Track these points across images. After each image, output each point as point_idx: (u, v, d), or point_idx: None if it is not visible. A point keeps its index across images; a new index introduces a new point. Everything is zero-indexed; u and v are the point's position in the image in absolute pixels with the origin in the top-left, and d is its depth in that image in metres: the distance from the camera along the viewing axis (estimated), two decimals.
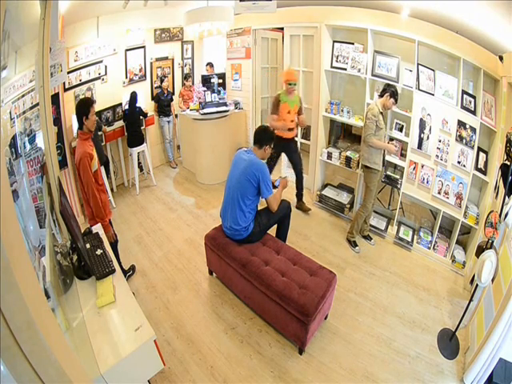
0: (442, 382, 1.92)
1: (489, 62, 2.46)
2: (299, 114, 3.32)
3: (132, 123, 4.06)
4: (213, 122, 4.18)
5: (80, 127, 2.11)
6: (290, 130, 3.30)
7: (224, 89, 4.66)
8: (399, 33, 2.85)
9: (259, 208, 2.50)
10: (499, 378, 1.79)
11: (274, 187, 2.53)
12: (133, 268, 2.84)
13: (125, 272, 2.66)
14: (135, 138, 4.10)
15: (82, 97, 3.62)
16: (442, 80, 2.74)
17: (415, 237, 3.16)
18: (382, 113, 2.68)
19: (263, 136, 2.37)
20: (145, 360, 1.37)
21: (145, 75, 4.55)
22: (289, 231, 2.76)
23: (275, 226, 2.69)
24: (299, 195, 3.68)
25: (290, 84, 3.10)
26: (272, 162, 3.44)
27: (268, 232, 2.59)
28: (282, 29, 4.23)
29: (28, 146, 1.66)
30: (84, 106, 2.08)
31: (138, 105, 4.07)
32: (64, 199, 1.81)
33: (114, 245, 2.40)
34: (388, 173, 3.17)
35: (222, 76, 4.71)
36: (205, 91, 4.33)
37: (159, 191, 4.32)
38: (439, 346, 2.13)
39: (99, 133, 3.70)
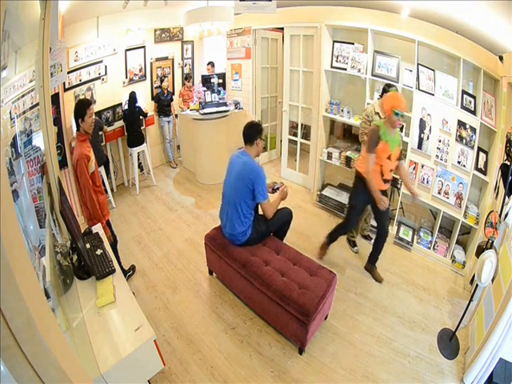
0: (441, 382, 1.92)
1: (489, 61, 2.46)
2: (399, 158, 2.41)
3: (132, 123, 4.06)
4: (213, 121, 4.18)
5: (77, 129, 2.12)
6: (386, 181, 2.41)
7: (224, 89, 4.66)
8: (399, 33, 2.85)
9: (259, 213, 2.45)
10: (499, 378, 1.79)
11: (274, 191, 2.51)
12: (133, 268, 2.84)
13: (125, 272, 2.66)
14: (135, 137, 4.10)
15: (81, 97, 3.62)
16: (442, 80, 2.74)
17: (415, 237, 3.16)
18: (378, 113, 2.67)
19: (251, 131, 2.30)
20: (145, 360, 1.36)
21: (145, 75, 4.55)
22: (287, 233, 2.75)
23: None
24: (373, 258, 2.71)
25: (396, 114, 2.17)
26: (355, 215, 2.62)
27: None
28: (282, 29, 4.23)
29: (27, 146, 1.66)
30: (80, 108, 2.08)
31: (137, 105, 4.08)
32: (64, 199, 1.81)
33: (114, 245, 2.40)
34: None
35: (222, 76, 4.71)
36: (205, 91, 4.33)
37: (159, 191, 4.32)
38: (439, 346, 2.13)
39: (100, 133, 3.70)
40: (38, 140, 1.86)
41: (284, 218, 2.55)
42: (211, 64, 4.96)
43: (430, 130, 2.84)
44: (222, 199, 2.46)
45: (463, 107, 2.65)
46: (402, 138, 2.50)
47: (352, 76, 3.36)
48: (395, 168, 2.42)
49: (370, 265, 2.73)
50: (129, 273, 2.78)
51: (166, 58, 4.78)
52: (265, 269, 2.17)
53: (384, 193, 2.44)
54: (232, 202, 2.28)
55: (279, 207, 2.47)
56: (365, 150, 2.37)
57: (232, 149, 4.65)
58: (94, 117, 2.19)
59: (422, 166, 2.95)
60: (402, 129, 3.07)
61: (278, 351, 2.11)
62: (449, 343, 2.13)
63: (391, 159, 2.32)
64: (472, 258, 2.57)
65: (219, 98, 4.40)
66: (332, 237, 2.80)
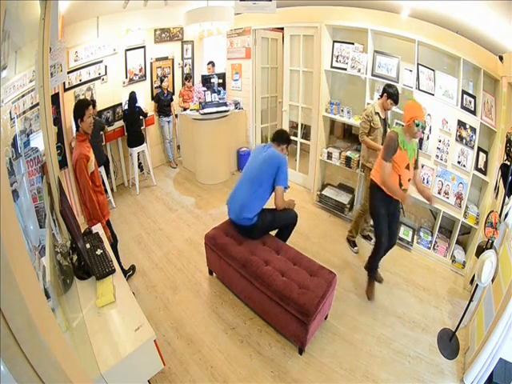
0: (441, 381, 1.92)
1: (489, 61, 2.46)
2: (415, 167, 2.30)
3: (132, 123, 4.06)
4: (213, 121, 4.18)
5: (77, 129, 2.13)
6: (405, 191, 2.28)
7: (224, 89, 4.66)
8: (399, 33, 2.85)
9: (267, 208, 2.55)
10: (499, 378, 1.79)
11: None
12: (133, 268, 2.84)
13: (125, 272, 2.66)
14: (135, 137, 4.10)
15: (81, 97, 3.63)
16: (442, 80, 2.74)
17: (415, 237, 3.16)
18: (378, 113, 2.67)
19: (281, 137, 2.52)
20: (145, 360, 1.37)
21: (145, 75, 4.55)
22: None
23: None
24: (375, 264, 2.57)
25: (417, 125, 2.05)
26: (383, 222, 2.39)
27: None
28: (282, 29, 4.23)
29: (27, 146, 1.66)
30: (79, 108, 2.09)
31: (137, 105, 4.08)
32: (64, 199, 1.81)
33: (114, 245, 2.40)
34: None
35: (222, 76, 4.71)
36: (205, 91, 4.33)
37: (159, 191, 4.32)
38: (439, 346, 2.13)
39: (100, 133, 3.70)
40: (38, 140, 1.86)
41: (288, 219, 2.65)
42: (211, 64, 4.96)
43: (430, 130, 2.84)
44: (237, 183, 2.57)
45: (463, 107, 2.65)
46: (418, 145, 2.30)
47: (352, 76, 3.36)
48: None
49: (371, 272, 2.58)
50: (129, 273, 2.78)
51: (166, 58, 4.78)
52: (265, 269, 2.17)
53: (397, 203, 2.38)
54: (250, 182, 2.44)
55: (287, 210, 2.62)
56: (380, 157, 2.25)
57: (232, 149, 4.68)
58: (93, 117, 2.19)
59: (422, 166, 2.94)
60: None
61: (278, 351, 2.11)
62: (449, 343, 2.13)
63: (409, 168, 2.21)
64: (472, 258, 2.57)
65: (219, 98, 4.40)
66: (373, 264, 2.50)
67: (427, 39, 2.69)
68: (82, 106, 2.10)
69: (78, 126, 2.11)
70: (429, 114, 2.83)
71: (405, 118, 2.14)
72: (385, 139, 2.31)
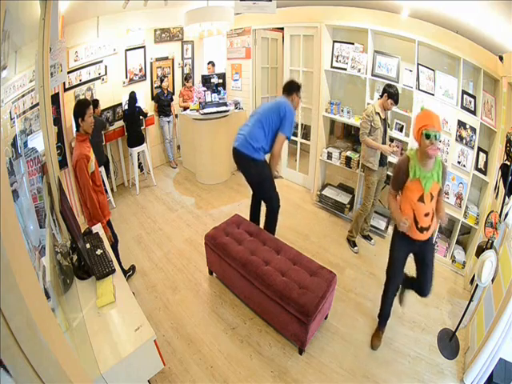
0: (441, 381, 1.92)
1: (489, 61, 2.46)
2: (439, 194, 1.81)
3: (132, 123, 4.06)
4: (213, 121, 4.18)
5: (77, 129, 2.13)
6: (423, 229, 1.82)
7: (224, 89, 4.65)
8: (399, 33, 2.85)
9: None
10: (499, 378, 1.79)
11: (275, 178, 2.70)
12: (133, 268, 2.84)
13: (125, 272, 2.66)
14: (135, 137, 4.10)
15: (81, 97, 3.63)
16: (442, 80, 2.74)
17: None
18: (378, 113, 2.67)
19: (291, 85, 2.57)
20: (145, 360, 1.37)
21: (145, 75, 4.55)
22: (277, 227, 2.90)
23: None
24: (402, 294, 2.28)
25: (428, 136, 1.60)
26: (399, 269, 2.08)
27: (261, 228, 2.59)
28: (282, 29, 4.23)
29: (27, 146, 1.66)
30: (80, 108, 2.09)
31: (137, 105, 4.08)
32: (64, 199, 1.81)
33: (115, 245, 2.40)
34: (388, 173, 3.16)
35: (222, 76, 4.71)
36: (205, 91, 4.33)
37: (159, 191, 4.32)
38: (439, 346, 2.13)
39: (102, 132, 3.72)
40: (38, 140, 1.86)
41: (274, 194, 2.74)
42: (211, 63, 4.96)
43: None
44: (246, 121, 2.71)
45: (463, 107, 2.65)
46: (444, 169, 1.77)
47: (352, 76, 3.36)
48: (433, 209, 1.80)
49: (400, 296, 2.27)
50: (129, 273, 2.78)
51: (166, 58, 4.78)
52: (265, 269, 2.17)
53: (424, 245, 1.90)
54: (261, 120, 2.52)
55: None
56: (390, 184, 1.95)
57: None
58: (93, 117, 2.19)
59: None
60: (401, 129, 3.07)
61: (278, 351, 2.11)
62: (449, 343, 2.13)
63: (425, 201, 1.74)
64: (472, 258, 2.57)
65: (219, 98, 4.40)
66: (381, 310, 2.19)
67: (427, 39, 2.69)
68: (83, 106, 2.11)
69: (78, 126, 2.12)
70: None
71: (414, 134, 1.71)
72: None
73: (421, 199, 1.75)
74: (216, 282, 2.70)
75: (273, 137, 2.53)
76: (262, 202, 2.97)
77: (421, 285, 2.03)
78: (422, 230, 1.82)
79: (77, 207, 3.44)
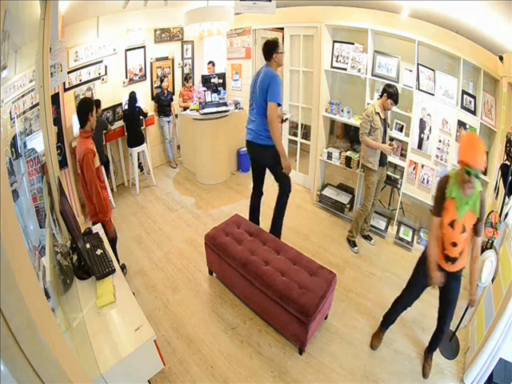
0: (441, 381, 1.92)
1: (489, 61, 2.46)
2: (475, 232, 1.63)
3: (132, 123, 4.06)
4: (213, 121, 4.18)
5: (83, 125, 2.13)
6: (451, 260, 1.69)
7: (224, 89, 4.66)
8: (399, 33, 2.85)
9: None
10: (499, 377, 1.79)
11: (283, 121, 2.81)
12: (124, 267, 2.81)
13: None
14: (135, 137, 4.10)
15: (81, 97, 3.63)
16: (442, 80, 2.74)
17: (415, 237, 3.16)
18: (378, 113, 2.67)
19: (266, 49, 2.57)
20: (145, 360, 1.37)
21: (145, 75, 4.55)
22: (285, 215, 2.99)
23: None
24: (431, 348, 2.05)
25: (468, 173, 1.47)
26: (412, 297, 2.00)
27: (261, 227, 2.59)
28: (282, 29, 4.23)
29: (25, 147, 1.66)
30: (89, 104, 2.14)
31: (137, 105, 4.08)
32: (64, 199, 1.81)
33: (113, 243, 2.41)
34: (388, 173, 3.16)
35: (222, 76, 4.71)
36: (205, 91, 4.33)
37: (159, 191, 4.32)
38: (439, 346, 2.13)
39: (103, 131, 3.72)
40: (38, 140, 1.86)
41: (286, 178, 2.84)
42: (212, 63, 4.96)
43: (430, 130, 2.84)
44: (249, 115, 2.79)
45: (463, 107, 2.65)
46: (483, 202, 1.57)
47: (352, 76, 3.36)
48: (466, 244, 1.64)
49: (427, 353, 2.05)
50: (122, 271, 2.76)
51: (166, 58, 4.78)
52: (265, 269, 2.17)
53: (449, 278, 1.72)
54: (258, 103, 2.60)
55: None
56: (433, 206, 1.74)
57: (232, 149, 4.67)
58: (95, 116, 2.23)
59: (422, 166, 2.95)
60: (401, 129, 3.07)
61: (278, 351, 2.11)
62: (449, 343, 2.13)
63: (455, 227, 1.59)
64: None
65: (219, 98, 4.40)
66: (387, 320, 2.13)
67: (427, 39, 2.69)
68: (90, 103, 2.17)
69: (84, 123, 2.12)
70: (429, 114, 2.83)
71: (459, 154, 1.57)
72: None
73: (451, 224, 1.61)
74: (216, 282, 2.70)
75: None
76: (260, 203, 3.04)
77: (440, 321, 1.90)
78: (447, 258, 1.68)
79: (77, 207, 3.44)
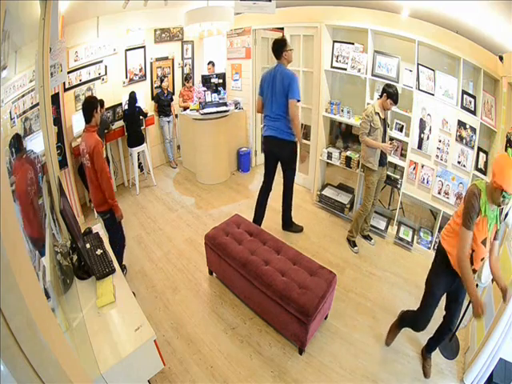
0: (442, 381, 1.92)
1: (489, 61, 2.46)
2: (494, 236, 1.66)
3: (132, 123, 4.06)
4: (213, 121, 4.18)
5: (89, 121, 2.27)
6: (475, 271, 1.71)
7: (224, 89, 4.66)
8: (399, 33, 2.85)
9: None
10: (499, 377, 1.79)
11: None
12: (124, 267, 2.82)
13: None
14: (135, 137, 4.10)
15: (82, 97, 3.64)
16: (442, 80, 2.74)
17: (415, 237, 3.16)
18: (378, 113, 2.67)
19: (275, 48, 2.73)
20: (145, 360, 1.37)
21: (145, 75, 4.55)
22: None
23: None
24: (430, 347, 2.03)
25: (504, 197, 1.48)
26: (433, 305, 1.89)
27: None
28: (282, 29, 4.23)
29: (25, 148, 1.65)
30: (94, 102, 2.30)
31: (137, 105, 4.08)
32: (64, 199, 1.82)
33: (122, 243, 2.66)
34: (388, 173, 3.16)
35: (222, 76, 4.71)
36: (205, 91, 4.33)
37: (159, 191, 4.32)
38: (439, 345, 2.13)
39: (105, 131, 3.73)
40: (38, 140, 1.86)
41: (294, 169, 3.15)
42: (212, 63, 4.96)
43: (430, 130, 2.84)
44: (266, 111, 2.93)
45: (463, 107, 2.65)
46: (501, 210, 1.61)
47: (352, 76, 3.36)
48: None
49: (426, 353, 2.05)
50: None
51: (166, 58, 4.78)
52: (265, 268, 2.17)
53: (461, 283, 1.69)
54: (278, 101, 2.76)
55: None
56: (460, 223, 1.62)
57: (232, 149, 4.67)
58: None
59: (422, 166, 2.95)
60: (401, 129, 3.07)
61: (278, 351, 2.11)
62: (449, 343, 2.13)
63: (486, 244, 1.60)
64: None
65: (219, 98, 4.40)
66: (400, 324, 2.10)
67: (427, 39, 2.69)
68: (95, 101, 2.31)
69: (90, 118, 2.26)
70: (429, 114, 2.83)
71: (494, 176, 1.50)
72: (468, 198, 1.59)
73: (483, 242, 1.59)
74: (216, 281, 2.70)
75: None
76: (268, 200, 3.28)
77: (448, 319, 1.88)
78: (474, 272, 1.66)
79: (77, 207, 3.44)
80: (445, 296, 1.87)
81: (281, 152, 2.99)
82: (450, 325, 1.88)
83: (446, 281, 1.76)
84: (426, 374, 1.96)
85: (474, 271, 1.67)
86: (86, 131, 2.30)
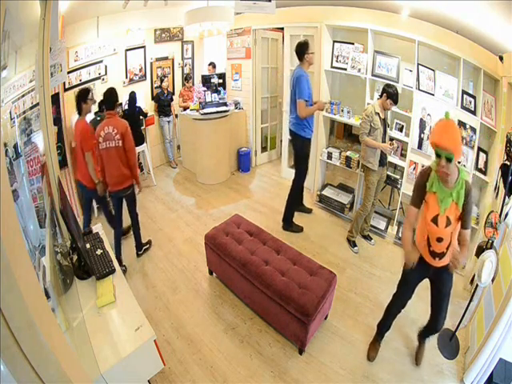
0: (441, 381, 1.92)
1: (489, 61, 2.46)
2: (462, 224, 1.56)
3: (132, 123, 4.04)
4: (213, 122, 4.18)
5: (112, 108, 2.61)
6: (438, 255, 1.64)
7: (224, 89, 4.66)
8: (399, 33, 2.85)
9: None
10: (499, 378, 1.79)
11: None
12: (149, 242, 3.12)
13: (141, 245, 3.00)
14: (135, 137, 4.02)
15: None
16: (442, 80, 2.74)
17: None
18: (378, 113, 2.67)
19: (298, 51, 2.87)
20: (145, 360, 1.37)
21: (145, 75, 4.55)
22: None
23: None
24: (424, 336, 2.05)
25: (438, 155, 1.43)
26: (399, 292, 1.94)
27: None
28: (282, 29, 4.23)
29: (27, 146, 1.65)
30: (115, 92, 2.68)
31: (137, 105, 4.07)
32: (64, 199, 1.81)
33: (135, 221, 2.89)
34: (388, 173, 3.16)
35: (222, 76, 4.71)
36: (205, 91, 4.33)
37: (159, 191, 4.32)
38: (439, 345, 2.13)
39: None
40: (38, 140, 1.85)
41: (301, 171, 3.22)
42: (212, 65, 4.97)
43: (430, 130, 2.84)
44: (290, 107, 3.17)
45: (463, 107, 2.65)
46: (468, 192, 1.48)
47: (352, 76, 3.36)
48: (453, 237, 1.57)
49: (420, 338, 2.05)
50: (145, 246, 3.04)
51: (166, 58, 4.78)
52: (265, 268, 2.17)
53: (440, 273, 1.69)
54: (293, 101, 2.97)
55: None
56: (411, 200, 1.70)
57: (232, 149, 4.68)
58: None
59: (422, 166, 2.95)
60: (401, 129, 3.07)
61: (278, 351, 2.11)
62: (449, 343, 2.13)
63: (439, 223, 1.53)
64: (472, 258, 2.57)
65: (219, 98, 4.40)
66: (382, 328, 2.09)
67: (427, 39, 2.69)
68: (115, 92, 2.68)
69: (113, 106, 2.62)
70: (429, 114, 2.83)
71: (430, 141, 1.50)
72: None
73: (434, 220, 1.54)
74: (216, 281, 2.70)
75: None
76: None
77: (433, 317, 1.84)
78: (433, 255, 1.63)
79: (77, 207, 3.44)
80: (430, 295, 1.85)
81: (293, 145, 3.19)
82: (436, 322, 1.84)
83: (418, 268, 1.71)
84: (416, 360, 1.98)
85: (437, 254, 1.63)
86: (110, 116, 2.56)
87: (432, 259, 1.65)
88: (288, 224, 3.37)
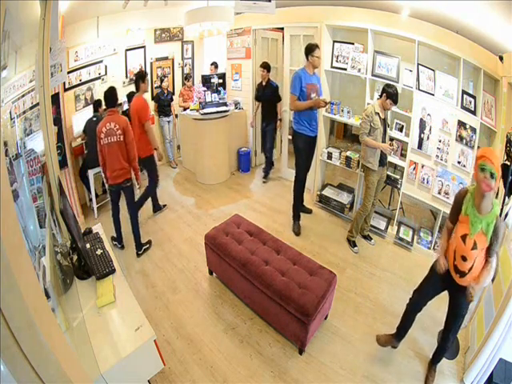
0: (442, 382, 1.92)
1: (489, 61, 2.46)
2: (488, 253, 1.60)
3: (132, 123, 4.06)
4: (213, 121, 4.18)
5: (113, 105, 2.72)
6: (460, 272, 1.66)
7: (224, 89, 4.66)
8: (399, 33, 2.85)
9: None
10: (499, 378, 1.79)
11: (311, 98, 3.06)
12: (149, 242, 3.14)
13: (140, 245, 3.05)
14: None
15: (81, 97, 3.65)
16: (442, 80, 2.74)
17: (415, 237, 3.16)
18: (378, 113, 2.67)
19: (305, 51, 2.94)
20: (145, 360, 1.37)
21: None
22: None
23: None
24: (436, 357, 1.97)
25: (483, 169, 1.44)
26: (425, 294, 1.97)
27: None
28: (282, 29, 4.23)
29: (27, 146, 1.66)
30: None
31: None
32: (64, 199, 1.82)
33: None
34: (388, 173, 3.16)
35: (222, 76, 4.71)
36: (205, 91, 4.33)
37: (159, 191, 4.31)
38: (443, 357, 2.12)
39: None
40: (38, 140, 1.86)
41: (299, 167, 3.25)
42: (215, 65, 4.97)
43: (430, 130, 2.84)
44: None
45: (463, 107, 2.65)
46: (497, 227, 1.53)
47: (352, 76, 3.36)
48: (478, 262, 1.60)
49: (431, 364, 2.00)
50: (145, 246, 3.07)
51: (166, 58, 4.79)
52: (265, 268, 2.17)
53: (458, 291, 1.70)
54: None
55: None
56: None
57: (232, 149, 4.68)
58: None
59: (422, 166, 2.95)
60: (401, 129, 3.06)
61: (278, 351, 2.11)
62: None
63: (466, 242, 1.60)
64: None
65: (219, 98, 4.40)
66: (402, 326, 2.06)
67: (427, 39, 2.69)
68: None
69: (115, 104, 2.78)
70: (429, 114, 2.83)
71: (474, 169, 1.54)
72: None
73: (463, 238, 1.61)
74: (216, 281, 2.71)
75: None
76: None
77: (444, 333, 1.87)
78: (456, 270, 1.67)
79: (77, 207, 3.44)
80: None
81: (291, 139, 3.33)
82: (445, 340, 1.87)
83: (441, 276, 1.76)
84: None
85: (456, 269, 1.68)
86: (111, 113, 2.66)
87: (454, 273, 1.70)
88: (298, 210, 3.46)
